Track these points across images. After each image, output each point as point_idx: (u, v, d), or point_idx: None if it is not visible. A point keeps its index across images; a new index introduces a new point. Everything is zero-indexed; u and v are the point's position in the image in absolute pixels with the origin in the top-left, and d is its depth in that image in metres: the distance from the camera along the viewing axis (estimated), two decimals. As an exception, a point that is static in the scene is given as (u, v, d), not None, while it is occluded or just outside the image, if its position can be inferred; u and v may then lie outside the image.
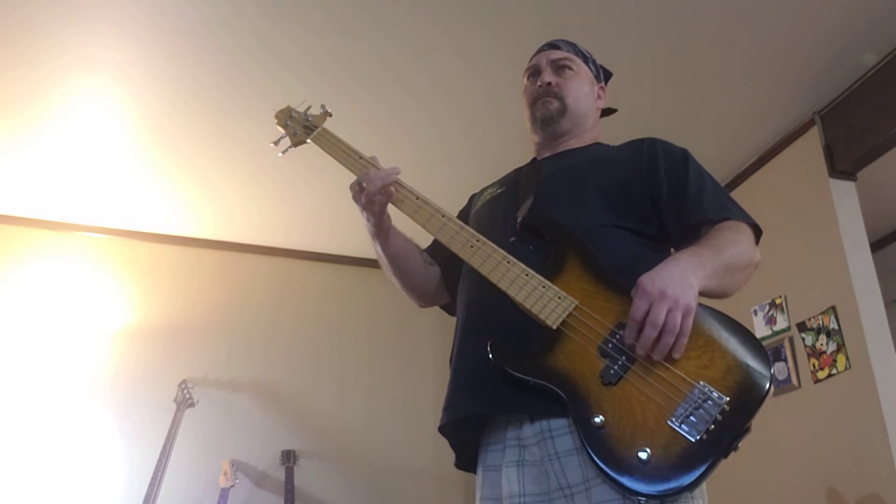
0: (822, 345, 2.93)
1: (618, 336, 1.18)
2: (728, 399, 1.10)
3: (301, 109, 1.65)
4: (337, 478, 3.82)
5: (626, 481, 1.07)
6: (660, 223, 1.40)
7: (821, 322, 2.95)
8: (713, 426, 1.08)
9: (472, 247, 1.33)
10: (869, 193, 3.15)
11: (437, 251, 1.58)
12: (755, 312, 3.28)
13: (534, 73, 1.63)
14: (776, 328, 3.16)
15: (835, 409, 2.84)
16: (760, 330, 3.24)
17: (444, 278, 1.60)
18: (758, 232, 1.39)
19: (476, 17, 2.58)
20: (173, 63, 2.78)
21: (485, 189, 1.64)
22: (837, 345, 2.86)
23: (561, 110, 1.55)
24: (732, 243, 1.29)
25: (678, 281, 1.15)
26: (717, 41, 2.75)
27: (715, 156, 3.42)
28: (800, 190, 3.18)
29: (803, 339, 3.03)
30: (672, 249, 1.44)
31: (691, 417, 1.09)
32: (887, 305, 2.92)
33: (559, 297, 1.23)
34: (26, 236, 3.71)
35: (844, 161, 3.03)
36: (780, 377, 3.10)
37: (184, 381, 3.58)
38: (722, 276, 1.25)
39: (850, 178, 3.08)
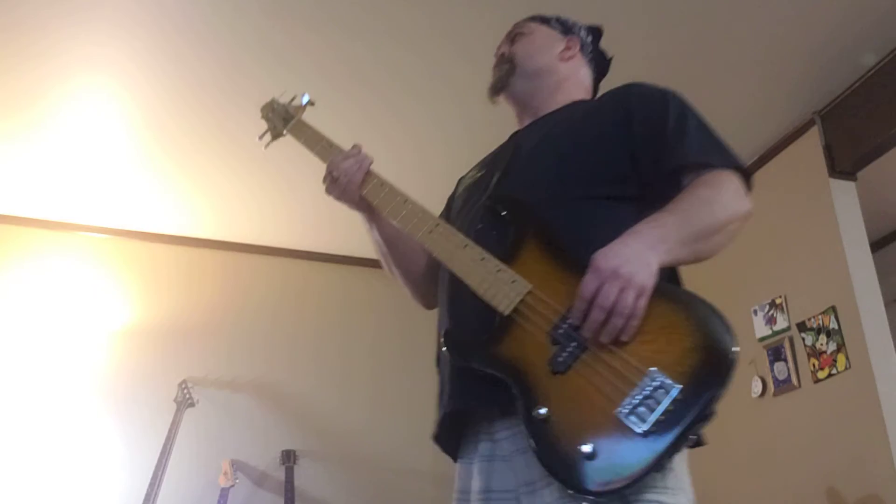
0: (822, 345, 2.93)
1: (569, 321, 1.08)
2: (681, 387, 0.99)
3: (284, 101, 1.62)
4: (337, 478, 3.82)
5: (567, 478, 1.00)
6: (641, 180, 1.27)
7: (821, 322, 2.95)
8: (662, 416, 0.97)
9: (430, 232, 1.28)
10: (869, 193, 3.15)
11: None
12: (755, 312, 3.28)
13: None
14: (776, 328, 3.16)
15: (835, 409, 2.84)
16: (760, 330, 3.24)
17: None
18: (747, 175, 1.25)
19: (477, 15, 2.58)
20: (173, 62, 2.78)
21: (470, 171, 1.58)
22: (837, 345, 2.86)
23: (510, 70, 1.50)
24: (705, 203, 1.16)
25: (635, 258, 1.05)
26: (716, 41, 2.75)
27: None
28: (800, 190, 3.17)
29: (803, 339, 3.02)
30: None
31: (640, 407, 0.99)
32: (887, 305, 2.91)
33: (513, 282, 1.14)
34: (26, 236, 3.71)
35: (844, 161, 3.03)
36: (780, 377, 3.10)
37: (184, 381, 3.58)
38: (693, 243, 1.13)
39: (850, 177, 3.08)
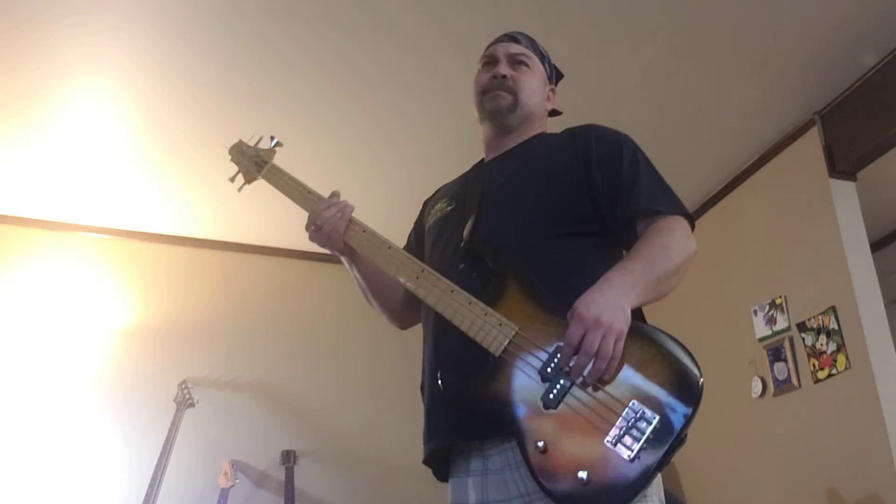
0: (822, 345, 2.93)
1: (556, 360, 1.21)
2: (658, 416, 1.14)
3: (252, 143, 1.67)
4: (337, 478, 3.82)
5: (568, 502, 1.13)
6: (601, 219, 1.40)
7: (821, 322, 2.95)
8: (645, 444, 1.13)
9: (417, 278, 1.36)
10: (869, 193, 3.15)
11: None
12: (755, 312, 3.28)
13: (489, 62, 1.61)
14: (776, 328, 3.16)
15: (835, 409, 2.84)
16: (760, 330, 3.24)
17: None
18: (691, 220, 1.38)
19: (476, 15, 2.58)
20: (173, 63, 2.78)
21: (435, 198, 1.64)
22: (837, 345, 2.86)
23: (512, 105, 1.54)
24: (663, 250, 1.29)
25: (612, 306, 1.18)
26: (717, 42, 2.75)
27: (715, 156, 3.43)
28: (800, 190, 3.18)
29: (803, 339, 3.03)
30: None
31: (625, 437, 1.14)
32: (887, 305, 2.92)
33: (500, 325, 1.25)
34: (26, 236, 3.70)
35: (844, 161, 3.03)
36: (780, 377, 3.10)
37: (184, 381, 3.58)
38: (655, 286, 1.26)
39: (850, 178, 3.08)
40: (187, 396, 3.52)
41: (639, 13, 2.61)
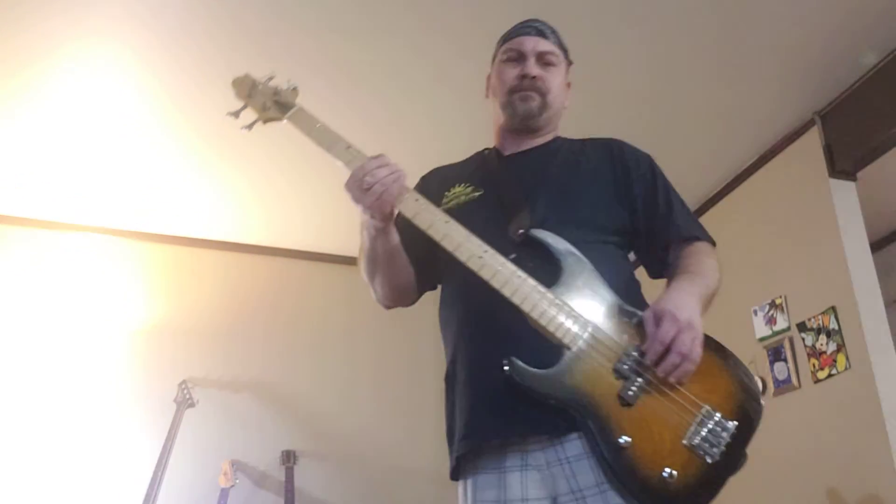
0: (822, 345, 2.93)
1: (632, 357, 1.21)
2: (736, 423, 1.19)
3: (264, 81, 1.50)
4: (337, 478, 3.82)
5: (648, 500, 1.16)
6: (631, 234, 1.45)
7: (821, 322, 2.95)
8: (725, 449, 1.18)
9: (480, 258, 1.27)
10: (869, 193, 3.15)
11: (412, 249, 1.48)
12: (755, 312, 3.28)
13: (517, 57, 1.54)
14: (776, 328, 3.16)
15: (835, 408, 2.84)
16: (760, 330, 3.24)
17: (417, 278, 1.53)
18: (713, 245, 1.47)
19: (474, 15, 2.58)
20: (172, 64, 2.78)
21: (444, 179, 1.54)
22: (837, 345, 2.86)
23: (542, 107, 1.51)
24: (713, 270, 1.37)
25: (695, 312, 1.23)
26: (717, 41, 2.75)
27: (715, 156, 3.43)
28: (800, 190, 3.18)
29: (803, 339, 3.03)
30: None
31: (703, 440, 1.18)
32: (887, 305, 2.92)
33: (575, 317, 1.24)
34: (27, 236, 3.71)
35: (844, 161, 3.03)
36: (780, 377, 3.10)
37: (184, 382, 3.58)
38: (706, 302, 1.32)
39: (850, 178, 3.08)
40: (187, 396, 3.52)
41: (638, 14, 2.61)
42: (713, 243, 1.46)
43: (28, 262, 3.68)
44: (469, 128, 3.15)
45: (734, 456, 1.18)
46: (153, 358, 3.71)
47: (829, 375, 2.88)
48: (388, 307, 1.58)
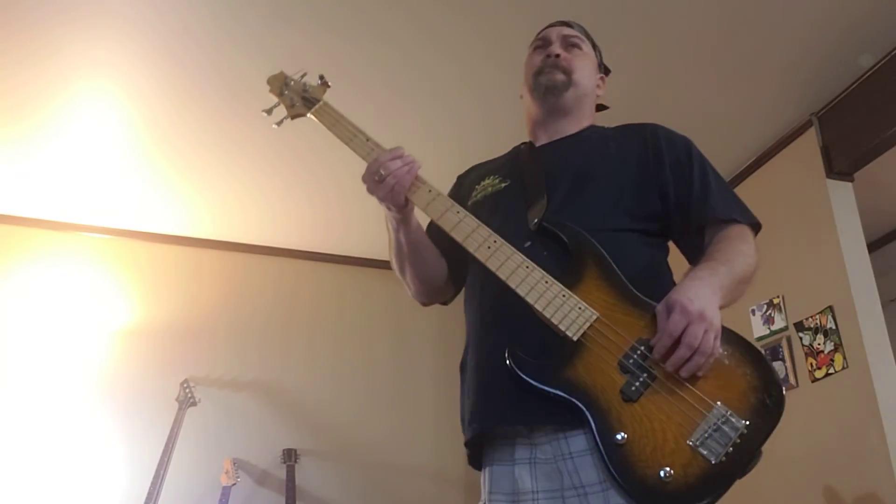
0: (819, 344, 2.95)
1: (639, 352, 1.17)
2: (747, 423, 1.12)
3: (297, 77, 1.54)
4: (338, 476, 3.83)
5: (643, 499, 1.10)
6: (665, 220, 1.39)
7: (818, 321, 2.97)
8: (731, 449, 1.10)
9: (489, 248, 1.27)
10: (866, 194, 3.17)
11: (437, 242, 1.50)
12: (753, 312, 3.30)
13: (542, 44, 1.57)
14: (774, 328, 3.18)
15: (832, 408, 2.86)
16: (758, 329, 3.25)
17: (449, 271, 1.53)
18: (757, 228, 1.39)
19: (465, 20, 2.60)
20: (172, 66, 2.79)
21: (479, 174, 1.56)
22: (835, 344, 2.88)
23: (566, 83, 1.50)
24: (742, 255, 1.29)
25: (711, 302, 1.16)
26: (714, 42, 2.77)
27: (713, 156, 3.41)
28: (797, 190, 3.19)
29: (801, 339, 3.04)
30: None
31: (710, 440, 1.11)
32: (884, 305, 2.93)
33: (580, 308, 1.20)
34: (27, 236, 3.71)
35: (842, 162, 3.05)
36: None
37: (185, 381, 3.59)
38: (732, 291, 1.25)
39: (848, 178, 3.09)
40: (189, 395, 3.53)
41: (636, 14, 2.62)
42: (755, 225, 1.38)
43: (29, 263, 3.69)
44: (458, 131, 3.18)
45: (742, 456, 1.10)
46: (155, 357, 3.72)
47: (827, 375, 2.89)
48: (425, 304, 1.59)
